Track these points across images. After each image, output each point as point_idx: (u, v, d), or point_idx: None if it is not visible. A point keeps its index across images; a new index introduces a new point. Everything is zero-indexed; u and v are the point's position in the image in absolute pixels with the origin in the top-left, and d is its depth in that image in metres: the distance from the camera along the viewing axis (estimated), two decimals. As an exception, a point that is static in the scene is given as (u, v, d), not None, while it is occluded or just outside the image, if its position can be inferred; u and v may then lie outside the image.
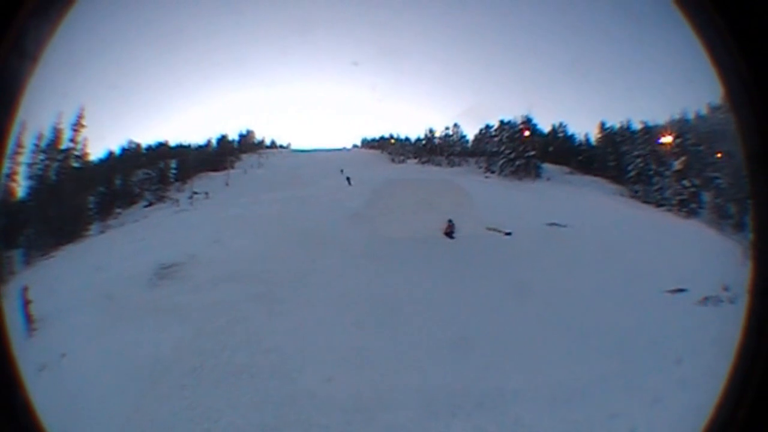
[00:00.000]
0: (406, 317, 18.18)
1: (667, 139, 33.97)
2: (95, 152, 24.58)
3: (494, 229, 26.05)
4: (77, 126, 23.19)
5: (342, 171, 31.95)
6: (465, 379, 14.79)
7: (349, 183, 31.76)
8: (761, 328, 2.63)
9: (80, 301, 17.24)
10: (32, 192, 21.30)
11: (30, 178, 21.35)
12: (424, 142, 38.25)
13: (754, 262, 2.85)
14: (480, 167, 37.01)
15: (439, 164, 37.03)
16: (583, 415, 13.21)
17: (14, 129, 2.54)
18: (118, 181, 27.15)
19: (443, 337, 17.05)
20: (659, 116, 34.18)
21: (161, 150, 28.85)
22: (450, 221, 25.25)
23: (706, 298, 20.48)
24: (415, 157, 37.52)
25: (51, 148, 22.74)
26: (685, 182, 33.02)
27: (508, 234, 26.01)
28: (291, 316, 18.00)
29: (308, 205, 27.93)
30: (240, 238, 23.46)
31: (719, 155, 33.20)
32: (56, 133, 22.85)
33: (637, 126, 36.81)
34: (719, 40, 2.59)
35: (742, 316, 2.69)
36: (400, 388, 14.34)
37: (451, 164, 37.13)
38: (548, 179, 36.74)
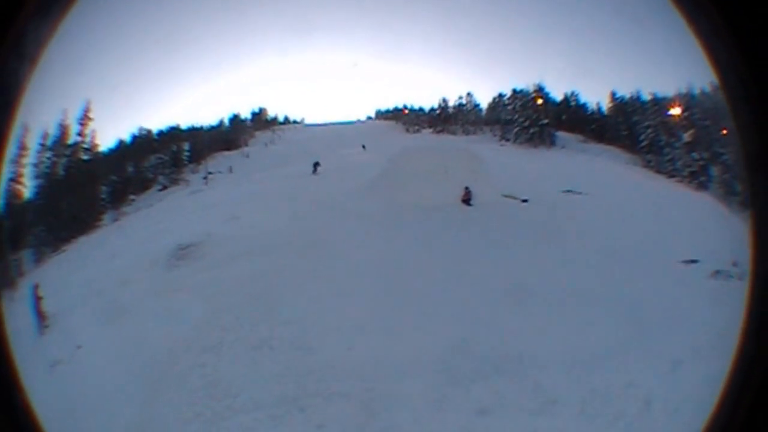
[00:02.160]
0: (424, 284, 18.17)
1: (675, 111, 33.01)
2: (105, 143, 24.57)
3: (511, 196, 25.79)
4: (84, 120, 23.15)
5: (364, 146, 32.19)
6: (483, 344, 15.05)
7: (364, 148, 32.22)
8: (760, 331, 2.68)
9: (94, 291, 17.46)
10: (40, 190, 21.33)
11: (37, 177, 21.33)
12: (438, 111, 37.63)
13: (753, 264, 2.90)
14: (495, 135, 36.64)
15: (453, 133, 36.60)
16: (601, 382, 13.55)
17: (15, 131, 2.57)
18: (130, 169, 27.09)
19: (462, 304, 17.08)
20: (667, 88, 33.06)
21: (173, 134, 28.63)
22: (467, 188, 25.06)
23: (717, 272, 20.36)
24: (430, 127, 37.04)
25: (58, 144, 22.73)
26: (695, 155, 31.96)
27: (525, 201, 25.70)
28: (309, 287, 18.06)
29: (323, 178, 28.25)
30: (256, 213, 23.56)
31: (725, 132, 29.88)
32: (63, 129, 22.85)
33: (647, 97, 35.77)
34: (716, 38, 2.63)
35: (741, 318, 2.74)
36: (419, 355, 14.47)
37: (466, 133, 36.69)
38: (563, 147, 36.12)
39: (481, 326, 15.93)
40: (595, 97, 38.14)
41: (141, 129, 27.25)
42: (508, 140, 36.29)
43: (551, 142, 36.19)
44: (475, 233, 22.44)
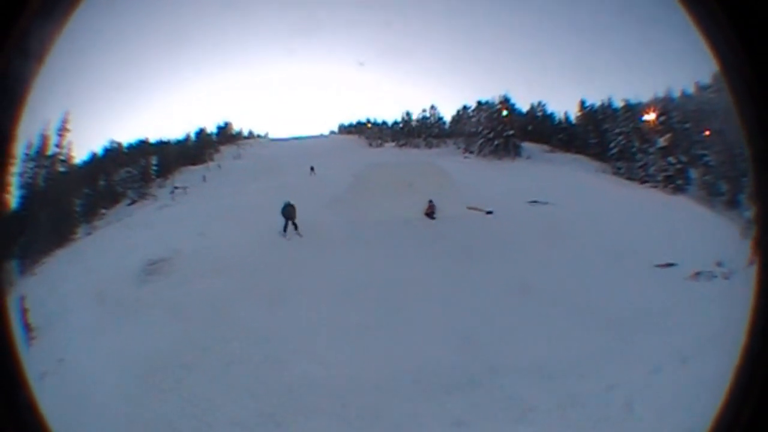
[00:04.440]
0: (391, 298, 18.32)
1: (650, 116, 33.33)
2: (80, 155, 24.45)
3: (475, 209, 26.04)
4: (62, 131, 23.02)
5: (312, 168, 31.56)
6: (456, 356, 15.11)
7: (313, 171, 31.53)
8: (765, 330, 2.68)
9: (73, 304, 17.21)
10: (23, 201, 21.22)
11: (21, 187, 21.24)
12: (401, 125, 37.79)
13: (760, 263, 2.83)
14: (458, 148, 36.80)
15: (417, 146, 36.84)
16: (579, 388, 13.52)
17: (20, 130, 2.57)
18: (102, 182, 26.97)
19: (432, 316, 17.31)
20: (642, 94, 33.72)
21: (142, 147, 28.36)
22: (431, 202, 25.33)
23: (698, 273, 20.75)
24: (393, 141, 37.16)
25: (39, 155, 22.62)
26: (671, 159, 32.49)
27: (490, 213, 26.01)
28: (279, 304, 17.98)
29: (289, 193, 27.09)
30: (223, 229, 23.67)
31: (707, 133, 32.58)
32: (43, 139, 22.72)
33: (619, 104, 36.04)
34: (722, 38, 2.59)
35: (747, 317, 2.72)
36: (392, 369, 14.49)
37: (429, 146, 36.98)
38: (528, 158, 36.23)
39: (452, 338, 16.00)
40: (564, 106, 38.55)
41: (112, 142, 27.10)
42: (472, 152, 36.38)
43: (516, 153, 36.20)
44: (438, 247, 22.62)
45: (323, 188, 28.07)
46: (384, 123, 38.14)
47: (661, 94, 33.56)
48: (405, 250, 21.95)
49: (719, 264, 20.94)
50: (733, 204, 28.22)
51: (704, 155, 31.92)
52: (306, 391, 13.68)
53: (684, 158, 32.49)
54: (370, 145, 36.89)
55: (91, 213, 24.98)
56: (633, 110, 34.69)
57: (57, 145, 23.05)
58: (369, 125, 37.82)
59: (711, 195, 30.68)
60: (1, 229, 3.65)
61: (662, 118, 32.87)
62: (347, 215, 24.55)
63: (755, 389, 2.57)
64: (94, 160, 25.74)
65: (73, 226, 23.21)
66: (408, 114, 37.81)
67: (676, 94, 34.02)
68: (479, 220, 25.55)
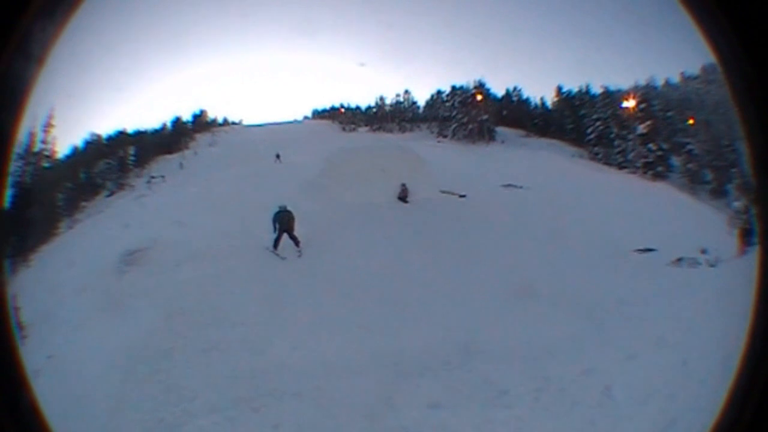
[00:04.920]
0: (362, 281, 18.61)
1: (630, 103, 33.61)
2: (62, 150, 24.39)
3: (449, 192, 26.20)
4: (47, 127, 23.03)
5: (278, 155, 31.37)
6: (430, 339, 15.25)
7: (278, 159, 31.35)
8: (767, 331, 2.66)
9: (58, 300, 17.33)
10: (13, 199, 21.14)
11: (12, 186, 21.04)
12: (374, 110, 37.81)
13: (761, 264, 2.81)
14: (432, 132, 36.87)
15: (390, 131, 36.82)
16: (555, 372, 13.52)
17: (20, 131, 2.55)
18: (82, 175, 26.90)
19: (405, 300, 17.55)
20: (622, 82, 33.99)
21: (120, 138, 28.15)
22: (403, 186, 25.33)
23: (680, 259, 21.04)
24: (367, 125, 37.21)
25: (27, 152, 22.64)
26: (652, 146, 32.76)
27: (463, 196, 26.11)
28: (254, 288, 18.31)
29: (263, 179, 27.87)
30: (199, 217, 23.61)
31: (692, 122, 33.57)
32: (30, 137, 22.70)
33: (598, 90, 36.33)
34: (723, 38, 2.57)
35: (748, 318, 2.72)
36: (366, 353, 14.66)
37: (403, 130, 36.95)
38: (503, 142, 36.18)
39: (425, 322, 16.22)
40: (541, 92, 38.60)
41: (92, 134, 27.00)
42: (445, 137, 36.51)
43: (491, 138, 36.15)
44: (410, 231, 22.61)
45: (295, 174, 27.96)
46: (357, 108, 38.14)
47: (642, 82, 33.79)
48: (375, 234, 22.00)
49: (704, 251, 21.26)
50: (719, 193, 29.73)
51: (688, 143, 32.66)
52: (282, 374, 13.77)
53: (665, 146, 32.87)
54: (344, 129, 36.91)
55: (72, 207, 24.86)
56: (612, 97, 35.07)
57: (42, 142, 23.08)
58: (342, 110, 37.82)
59: (694, 183, 31.69)
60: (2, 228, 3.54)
61: (643, 106, 33.00)
62: (318, 200, 24.33)
63: (756, 390, 2.54)
64: (75, 154, 25.68)
65: (57, 221, 23.20)
66: (381, 98, 37.70)
67: (660, 83, 34.62)
68: (452, 203, 25.63)
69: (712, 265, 20.40)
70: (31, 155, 22.72)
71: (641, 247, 22.02)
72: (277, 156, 31.24)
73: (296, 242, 21.77)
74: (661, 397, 11.62)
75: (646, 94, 33.55)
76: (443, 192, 26.26)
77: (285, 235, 21.75)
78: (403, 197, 25.42)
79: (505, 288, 18.17)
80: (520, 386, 13.18)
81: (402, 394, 13.11)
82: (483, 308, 17.09)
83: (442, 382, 13.54)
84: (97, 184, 27.38)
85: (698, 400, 10.40)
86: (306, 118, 37.38)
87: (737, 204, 23.65)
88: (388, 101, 37.93)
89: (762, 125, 2.51)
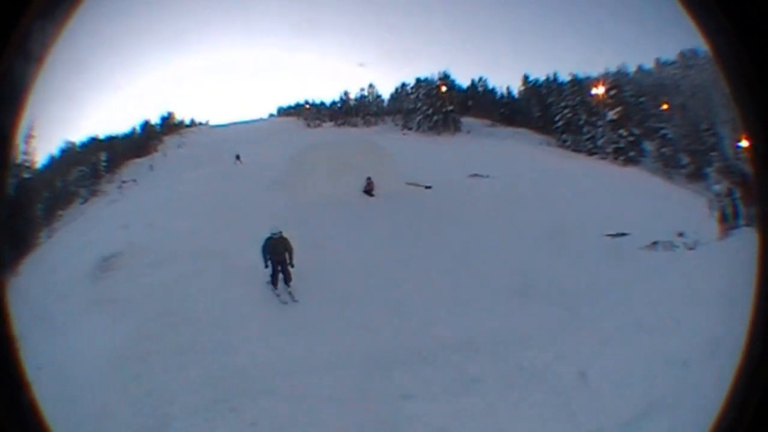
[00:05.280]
0: (330, 278, 18.93)
1: (599, 90, 33.30)
2: (41, 160, 24.36)
3: (414, 184, 26.32)
4: (28, 137, 23.07)
5: (238, 156, 31.08)
6: (405, 334, 15.52)
7: (239, 160, 31.03)
8: (767, 332, 2.66)
9: (42, 309, 17.16)
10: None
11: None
12: (339, 105, 37.79)
13: (760, 264, 2.81)
14: (397, 125, 36.82)
15: (355, 125, 36.80)
16: (528, 360, 13.73)
17: (21, 132, 2.63)
18: (59, 184, 26.92)
19: (375, 293, 17.88)
20: (592, 70, 33.73)
21: (93, 144, 28.01)
22: (369, 179, 25.41)
23: (655, 243, 20.95)
24: (332, 121, 37.17)
25: (12, 164, 22.49)
26: (623, 131, 32.63)
27: (429, 188, 26.30)
28: (226, 290, 18.46)
29: (230, 179, 28.11)
30: (170, 219, 23.57)
31: (665, 107, 33.69)
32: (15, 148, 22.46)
33: (566, 78, 36.12)
34: (723, 37, 2.57)
35: (748, 319, 2.71)
36: (338, 349, 14.97)
37: (368, 124, 36.98)
38: (468, 132, 36.19)
39: (395, 315, 16.46)
40: (507, 82, 38.09)
41: (67, 142, 26.97)
42: (410, 129, 36.48)
43: (456, 128, 36.27)
44: (376, 224, 22.86)
45: (260, 172, 28.16)
46: (322, 104, 38.02)
47: (614, 69, 33.71)
48: (342, 228, 22.08)
49: (681, 234, 21.22)
50: (696, 177, 29.51)
51: (662, 128, 32.70)
52: (256, 373, 14.07)
53: (637, 131, 32.79)
54: (309, 126, 36.82)
55: (51, 216, 24.92)
56: (581, 84, 34.80)
57: (24, 153, 23.14)
58: (307, 106, 37.71)
59: (669, 167, 31.62)
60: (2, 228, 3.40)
61: (613, 92, 32.84)
62: (284, 197, 24.48)
63: (756, 392, 2.54)
64: (52, 163, 25.72)
65: (37, 231, 23.27)
66: (346, 93, 37.77)
67: (632, 69, 34.65)
68: (418, 195, 25.82)
69: (691, 248, 20.37)
70: (14, 167, 22.73)
71: (613, 232, 21.95)
72: (237, 157, 31.15)
73: (288, 279, 19.10)
74: (641, 380, 11.76)
75: (617, 80, 33.47)
76: (409, 184, 26.29)
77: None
78: (368, 191, 25.52)
79: (475, 279, 18.56)
80: (493, 375, 13.37)
81: (376, 387, 13.37)
82: (453, 299, 17.31)
83: (416, 374, 13.67)
84: (72, 192, 27.32)
85: (679, 383, 11.09)
86: (271, 115, 37.36)
87: (718, 187, 23.52)
88: (352, 96, 37.93)
89: (762, 123, 2.52)
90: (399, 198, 25.08)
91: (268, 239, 18.98)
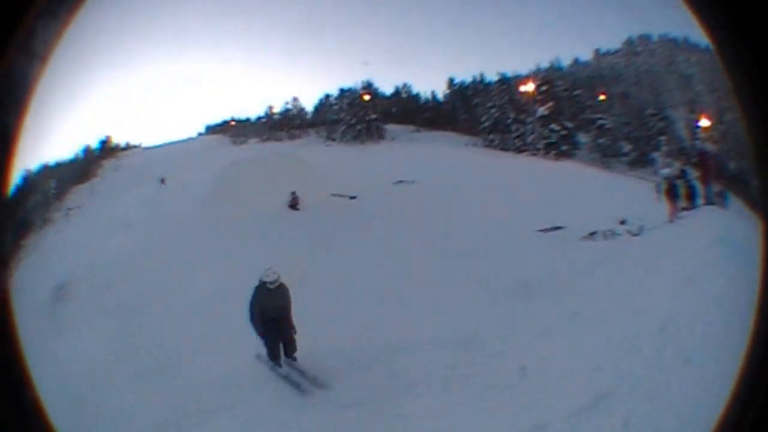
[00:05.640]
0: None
1: (528, 87, 33.71)
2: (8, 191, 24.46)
3: (339, 195, 26.99)
4: None
5: (162, 180, 31.39)
6: (336, 340, 15.61)
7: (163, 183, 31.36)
8: None
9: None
10: None
11: None
12: (264, 119, 38.28)
13: (764, 262, 2.83)
14: (321, 137, 37.37)
15: (280, 140, 37.24)
16: (465, 359, 13.87)
17: (25, 130, 2.66)
18: (21, 215, 27.19)
19: (309, 305, 16.39)
20: (522, 67, 34.31)
21: (44, 172, 28.06)
22: (293, 193, 26.20)
23: (593, 233, 21.35)
24: (257, 136, 37.60)
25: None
26: (554, 126, 32.90)
27: (353, 198, 26.98)
28: (169, 311, 18.79)
29: (160, 200, 28.83)
30: (111, 243, 24.56)
31: (603, 97, 34.50)
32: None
33: (494, 78, 36.38)
34: (724, 34, 2.60)
35: (751, 318, 2.73)
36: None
37: (293, 138, 37.41)
38: (393, 139, 36.74)
39: (329, 323, 16.24)
40: (432, 86, 38.62)
41: (25, 170, 27.23)
42: (334, 140, 36.90)
43: (380, 136, 36.66)
44: (302, 237, 23.06)
45: (184, 192, 28.88)
46: (248, 119, 38.60)
47: (546, 64, 34.40)
48: (265, 243, 22.22)
49: (623, 222, 21.97)
50: (641, 163, 31.46)
51: (599, 119, 33.61)
52: (208, 391, 14.17)
53: (570, 124, 33.51)
54: (235, 142, 37.25)
55: (15, 248, 25.29)
56: (509, 83, 34.95)
57: None
58: (233, 123, 38.30)
59: (608, 157, 32.75)
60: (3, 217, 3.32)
61: (544, 88, 33.28)
62: (215, 216, 24.98)
63: (761, 389, 2.56)
64: (17, 192, 25.93)
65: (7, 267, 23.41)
66: (270, 108, 38.23)
67: (565, 63, 35.25)
68: (343, 206, 26.49)
69: (635, 234, 20.80)
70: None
71: (547, 227, 22.28)
72: (162, 180, 31.26)
73: (291, 349, 14.92)
74: (586, 370, 11.69)
75: (549, 75, 33.83)
76: (334, 195, 26.92)
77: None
78: (293, 205, 26.22)
79: (407, 281, 18.81)
80: (429, 377, 13.29)
81: (313, 399, 13.53)
82: (386, 305, 17.51)
83: (352, 381, 13.69)
84: (30, 222, 27.79)
85: (630, 370, 11.19)
86: (200, 134, 37.64)
87: (667, 171, 25.03)
88: (276, 110, 38.43)
89: (764, 120, 2.53)
90: (323, 210, 25.69)
91: (258, 288, 14.54)
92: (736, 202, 21.77)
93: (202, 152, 34.82)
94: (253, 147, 36.40)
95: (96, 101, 31.27)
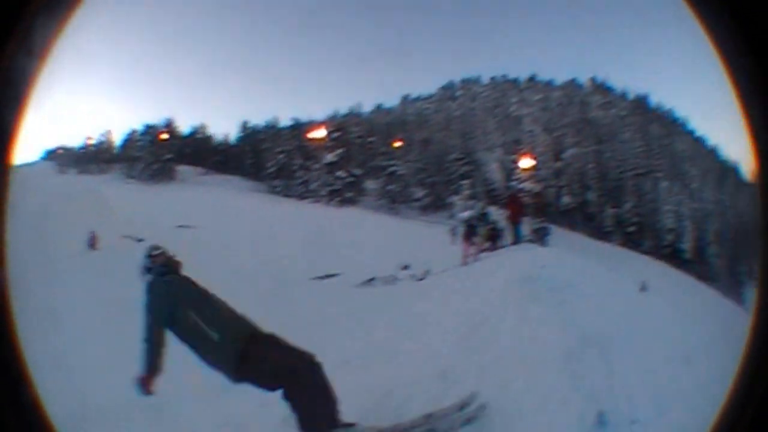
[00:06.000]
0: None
1: (318, 133, 35.30)
2: None
3: (129, 237, 26.41)
4: None
5: None
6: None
7: None
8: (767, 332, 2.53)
9: None
10: None
11: None
12: (81, 151, 38.56)
13: (763, 261, 2.58)
14: (124, 173, 37.86)
15: (91, 173, 37.27)
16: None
17: (23, 130, 2.52)
18: None
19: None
20: (318, 113, 36.84)
21: None
22: (92, 233, 25.62)
23: (372, 279, 21.08)
24: (76, 167, 37.53)
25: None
26: (341, 173, 34.49)
27: (141, 240, 24.30)
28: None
29: None
30: None
31: (398, 144, 35.77)
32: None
33: (288, 123, 39.00)
34: (726, 34, 2.44)
35: (749, 317, 2.58)
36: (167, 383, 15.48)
37: (102, 172, 37.68)
38: (182, 181, 38.72)
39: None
40: (230, 128, 43.18)
41: None
42: (133, 177, 38.01)
43: (171, 177, 38.42)
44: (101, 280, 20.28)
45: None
46: (81, 148, 39.25)
47: (345, 110, 37.65)
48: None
49: (406, 267, 22.06)
50: (435, 208, 33.00)
51: (391, 166, 35.39)
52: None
53: (358, 171, 35.38)
54: (61, 173, 37.31)
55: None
56: (301, 129, 37.56)
57: None
58: (60, 151, 38.71)
59: (398, 203, 34.41)
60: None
61: (336, 134, 35.27)
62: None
63: (760, 386, 2.42)
64: None
65: None
66: (88, 138, 39.21)
67: (367, 109, 38.79)
68: (133, 248, 23.67)
69: (420, 279, 20.09)
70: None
71: (321, 274, 22.43)
72: None
73: None
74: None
75: (345, 122, 36.30)
76: (124, 237, 26.65)
77: None
78: (92, 245, 26.05)
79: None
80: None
81: (201, 416, 11.32)
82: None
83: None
84: None
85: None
86: (39, 159, 37.11)
87: (468, 213, 23.69)
88: (93, 141, 39.41)
89: (765, 122, 2.38)
90: (118, 251, 23.70)
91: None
92: (565, 237, 25.26)
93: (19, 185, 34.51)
94: (69, 179, 37.06)
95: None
